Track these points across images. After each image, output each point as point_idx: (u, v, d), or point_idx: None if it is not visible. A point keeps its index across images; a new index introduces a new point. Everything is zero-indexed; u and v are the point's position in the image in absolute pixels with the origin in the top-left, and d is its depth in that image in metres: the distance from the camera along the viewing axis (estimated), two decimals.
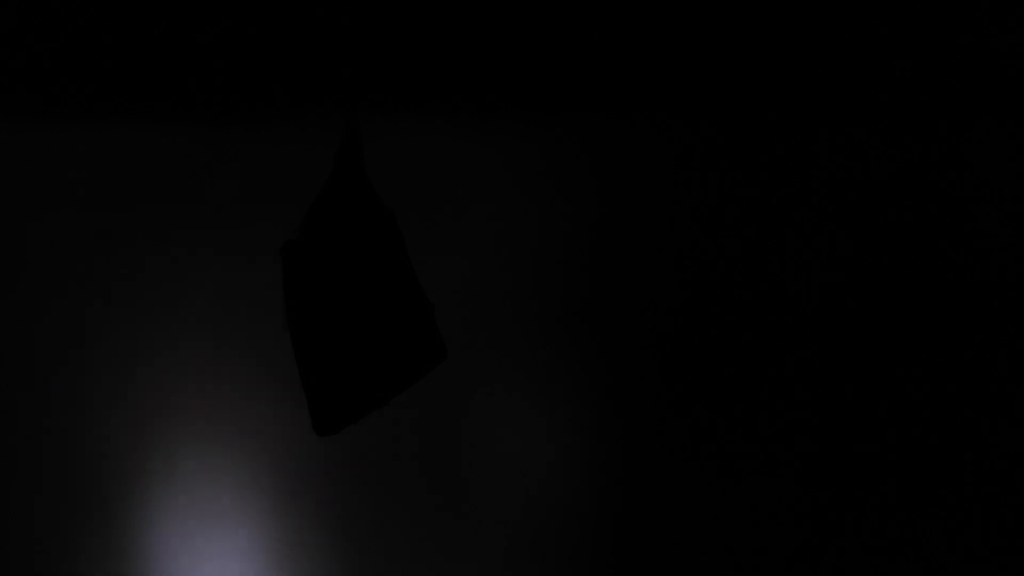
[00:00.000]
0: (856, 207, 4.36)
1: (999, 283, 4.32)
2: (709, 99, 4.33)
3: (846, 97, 4.32)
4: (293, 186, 4.32)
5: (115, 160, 4.36)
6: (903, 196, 4.36)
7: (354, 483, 4.33)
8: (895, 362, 4.33)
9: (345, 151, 3.03)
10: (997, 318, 4.32)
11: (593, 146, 4.38)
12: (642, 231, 4.37)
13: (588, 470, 4.35)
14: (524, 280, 4.37)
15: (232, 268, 4.34)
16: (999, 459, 4.30)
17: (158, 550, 4.29)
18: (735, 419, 4.33)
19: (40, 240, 4.35)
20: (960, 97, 4.30)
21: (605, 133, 4.37)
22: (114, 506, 4.30)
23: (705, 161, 4.37)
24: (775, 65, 4.27)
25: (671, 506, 4.33)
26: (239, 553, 4.29)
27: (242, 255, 4.33)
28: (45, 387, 4.32)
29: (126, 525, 4.29)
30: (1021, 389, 4.30)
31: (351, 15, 4.15)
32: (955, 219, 4.35)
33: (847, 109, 4.33)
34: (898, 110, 4.33)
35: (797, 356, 4.34)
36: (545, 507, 4.33)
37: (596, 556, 4.33)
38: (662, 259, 4.37)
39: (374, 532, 4.32)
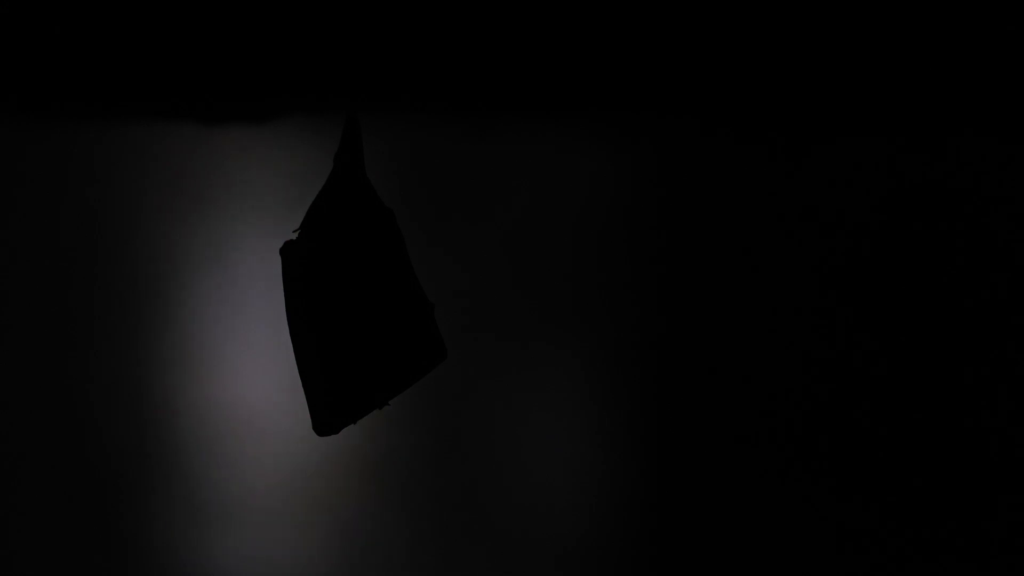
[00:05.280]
0: (857, 208, 4.36)
1: (1005, 288, 4.33)
2: (709, 99, 4.33)
3: (846, 98, 4.32)
4: (293, 186, 4.32)
5: (115, 160, 4.35)
6: (904, 197, 4.36)
7: (356, 483, 4.33)
8: (901, 362, 4.34)
9: (345, 150, 3.03)
10: (1003, 321, 4.32)
11: (594, 146, 4.38)
12: (646, 230, 4.38)
13: (593, 471, 4.35)
14: (526, 279, 4.37)
15: (232, 268, 4.34)
16: (1006, 462, 4.30)
17: (162, 549, 4.29)
18: (745, 418, 4.33)
19: (41, 240, 4.35)
20: (960, 98, 4.30)
21: (606, 133, 4.37)
22: (119, 505, 4.30)
23: (708, 162, 4.37)
24: (780, 67, 4.27)
25: (685, 508, 4.33)
26: (241, 552, 4.30)
27: (242, 255, 4.33)
28: (48, 387, 4.32)
29: (130, 524, 4.29)
30: None
31: (351, 15, 4.15)
32: (956, 222, 4.35)
33: (847, 110, 4.34)
34: (898, 111, 4.33)
35: (804, 356, 4.34)
36: (553, 510, 4.33)
37: (603, 559, 4.33)
38: (665, 259, 4.37)
39: (376, 532, 4.32)
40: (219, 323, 4.33)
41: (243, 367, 4.32)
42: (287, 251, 3.01)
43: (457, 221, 4.36)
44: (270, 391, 4.30)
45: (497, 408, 4.35)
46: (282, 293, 3.00)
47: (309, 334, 2.96)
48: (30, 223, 4.35)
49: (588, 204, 4.38)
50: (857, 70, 4.29)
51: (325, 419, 2.97)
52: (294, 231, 3.02)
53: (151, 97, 4.28)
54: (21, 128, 4.34)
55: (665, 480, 4.34)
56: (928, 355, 4.34)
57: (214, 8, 4.15)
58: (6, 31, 4.16)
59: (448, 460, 4.33)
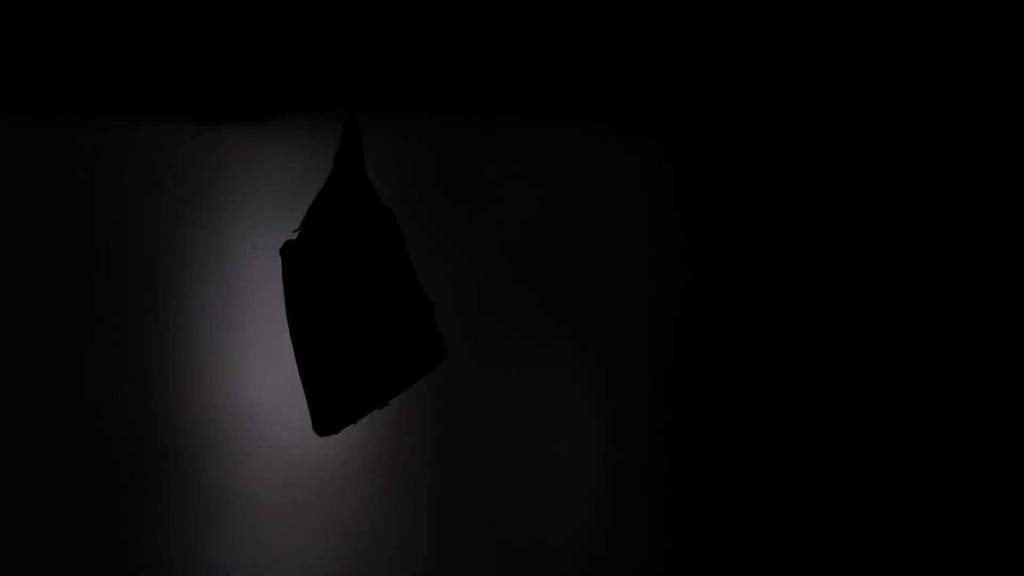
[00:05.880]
0: (858, 208, 4.36)
1: (1005, 287, 4.33)
2: (709, 99, 4.33)
3: (846, 99, 4.32)
4: (293, 186, 4.32)
5: (115, 160, 4.35)
6: (905, 197, 4.36)
7: (357, 483, 4.32)
8: (905, 360, 4.34)
9: (345, 151, 3.03)
10: (1003, 324, 4.32)
11: (594, 146, 4.38)
12: (645, 229, 4.37)
13: (597, 471, 4.34)
14: (526, 279, 4.37)
15: (231, 268, 4.34)
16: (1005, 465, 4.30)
17: (164, 548, 4.29)
18: (751, 418, 4.33)
19: (41, 240, 4.35)
20: (960, 98, 4.30)
21: (607, 133, 4.37)
22: (122, 505, 4.30)
23: (708, 162, 4.37)
24: (780, 67, 4.27)
25: (695, 514, 4.33)
26: (241, 551, 4.29)
27: (242, 255, 4.33)
28: (49, 388, 4.31)
29: (133, 523, 4.29)
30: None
31: (351, 15, 4.15)
32: (956, 222, 4.35)
33: (847, 110, 4.34)
34: (899, 111, 4.33)
35: (809, 354, 4.34)
36: (557, 510, 4.33)
37: (608, 559, 4.32)
38: (665, 258, 4.37)
39: (376, 532, 4.32)
40: (219, 323, 4.33)
41: (243, 367, 4.32)
42: (287, 251, 3.01)
43: (457, 221, 4.36)
44: (270, 391, 4.30)
45: (499, 408, 4.35)
46: (282, 293, 3.00)
47: (309, 334, 2.96)
48: (30, 223, 4.35)
49: (588, 204, 4.38)
50: (857, 70, 4.29)
51: (325, 419, 2.97)
52: (294, 231, 3.02)
53: (151, 97, 4.28)
54: (21, 128, 4.34)
55: (673, 484, 4.34)
56: (931, 353, 4.33)
57: (214, 8, 4.15)
58: (6, 31, 4.16)
59: (449, 460, 4.33)
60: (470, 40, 4.22)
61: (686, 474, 4.34)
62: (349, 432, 3.04)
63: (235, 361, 4.33)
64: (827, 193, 4.38)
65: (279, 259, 3.01)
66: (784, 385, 4.35)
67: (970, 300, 4.34)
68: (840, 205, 4.38)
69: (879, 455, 4.32)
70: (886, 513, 4.31)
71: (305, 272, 2.98)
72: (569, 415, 4.35)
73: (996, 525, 4.29)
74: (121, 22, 4.15)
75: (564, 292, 4.37)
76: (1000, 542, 4.29)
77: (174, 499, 4.29)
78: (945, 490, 4.31)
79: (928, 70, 4.28)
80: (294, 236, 3.01)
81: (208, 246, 4.35)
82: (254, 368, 4.32)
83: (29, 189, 4.35)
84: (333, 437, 3.00)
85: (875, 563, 4.30)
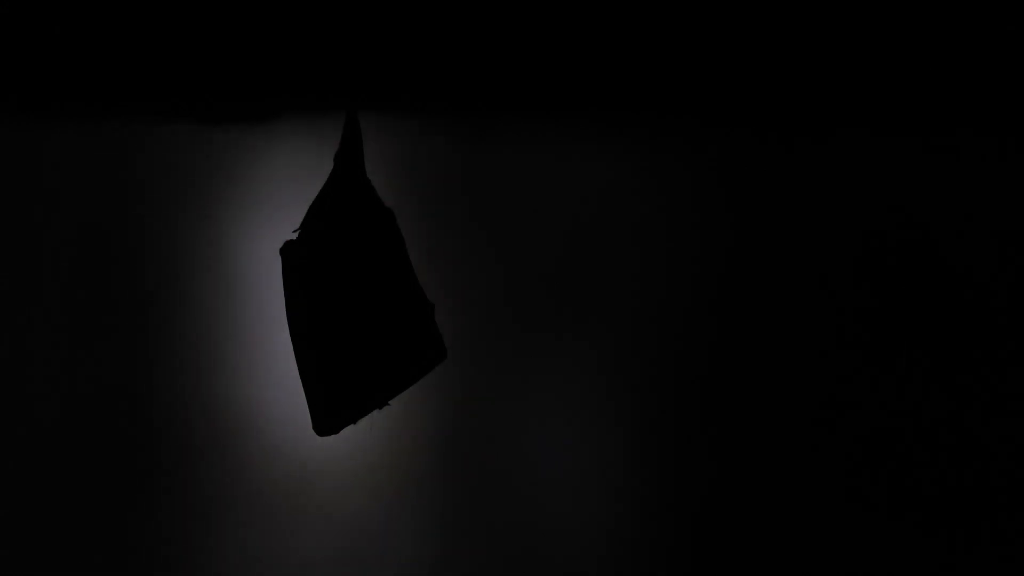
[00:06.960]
0: (859, 208, 4.36)
1: (1006, 291, 4.33)
2: (709, 99, 4.33)
3: (848, 99, 4.32)
4: (293, 186, 4.32)
5: (115, 160, 4.35)
6: (905, 197, 4.37)
7: (357, 483, 4.33)
8: (911, 360, 4.34)
9: (345, 150, 3.04)
10: (1006, 324, 4.32)
11: (595, 145, 4.38)
12: (645, 228, 4.38)
13: (599, 469, 4.35)
14: (525, 279, 4.37)
15: (232, 268, 4.34)
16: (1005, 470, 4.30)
17: (165, 547, 4.29)
18: (755, 421, 4.33)
19: (41, 240, 4.35)
20: (960, 98, 4.31)
21: (607, 133, 4.37)
22: (123, 503, 4.30)
23: (708, 162, 4.37)
24: (781, 67, 4.27)
25: (705, 520, 4.33)
26: (242, 551, 4.30)
27: (242, 255, 4.33)
28: (51, 387, 4.32)
29: (134, 522, 4.30)
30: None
31: (351, 15, 4.16)
32: (957, 221, 4.36)
33: (849, 111, 4.34)
34: (899, 110, 4.34)
35: (817, 353, 4.34)
36: (560, 509, 4.33)
37: (615, 560, 4.33)
38: (666, 257, 4.37)
39: (377, 532, 4.32)
40: (219, 323, 4.33)
41: (243, 367, 4.32)
42: (287, 251, 3.01)
43: (457, 221, 4.36)
44: (270, 391, 4.30)
45: (499, 408, 4.35)
46: (282, 293, 3.00)
47: (309, 334, 2.97)
48: (30, 224, 4.35)
49: (589, 204, 4.38)
50: (859, 71, 4.29)
51: (325, 419, 2.98)
52: (294, 231, 3.02)
53: (151, 97, 4.28)
54: (21, 128, 4.34)
55: (687, 490, 4.34)
56: (937, 354, 4.34)
57: (214, 8, 4.15)
58: (6, 31, 4.16)
59: (449, 460, 4.33)
60: (470, 40, 4.22)
61: (699, 479, 4.34)
62: (349, 432, 3.04)
63: (235, 361, 4.33)
64: (826, 193, 4.38)
65: (279, 259, 3.01)
66: (798, 385, 4.35)
67: (973, 298, 4.34)
68: (840, 206, 4.38)
69: (908, 458, 4.32)
70: (910, 517, 4.31)
71: (305, 272, 2.99)
72: (568, 415, 4.35)
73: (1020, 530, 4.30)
74: (121, 22, 4.15)
75: (565, 292, 4.37)
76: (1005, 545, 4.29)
77: (174, 499, 4.30)
78: (952, 494, 4.31)
79: (928, 70, 4.29)
80: (294, 236, 3.02)
81: (208, 246, 4.35)
82: (254, 368, 4.32)
83: (29, 189, 4.35)
84: (333, 437, 3.00)
85: (887, 566, 4.31)
